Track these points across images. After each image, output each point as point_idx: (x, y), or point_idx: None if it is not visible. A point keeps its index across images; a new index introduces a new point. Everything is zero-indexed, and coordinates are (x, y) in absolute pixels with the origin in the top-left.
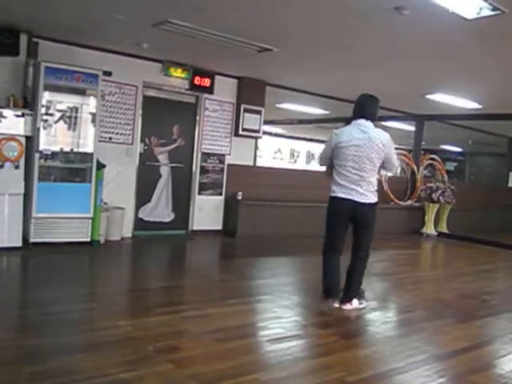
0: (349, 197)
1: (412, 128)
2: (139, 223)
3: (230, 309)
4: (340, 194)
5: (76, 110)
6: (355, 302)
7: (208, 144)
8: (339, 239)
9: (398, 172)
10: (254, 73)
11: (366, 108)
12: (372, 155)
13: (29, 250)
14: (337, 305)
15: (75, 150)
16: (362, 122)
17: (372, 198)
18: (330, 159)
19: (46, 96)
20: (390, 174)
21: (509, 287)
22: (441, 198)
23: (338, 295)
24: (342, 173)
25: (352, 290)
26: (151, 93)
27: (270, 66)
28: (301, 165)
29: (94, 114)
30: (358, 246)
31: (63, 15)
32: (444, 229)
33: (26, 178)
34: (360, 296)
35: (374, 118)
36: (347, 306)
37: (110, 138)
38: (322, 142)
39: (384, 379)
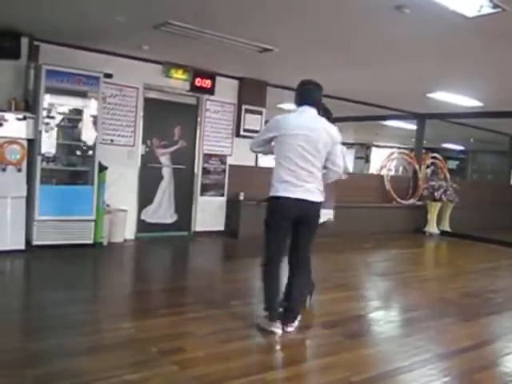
0: (294, 195)
1: (413, 127)
2: (142, 225)
3: (233, 310)
4: (285, 192)
5: (78, 112)
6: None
7: (209, 145)
8: (282, 246)
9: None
10: (255, 73)
11: (313, 95)
12: (320, 147)
13: (32, 253)
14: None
15: (77, 152)
16: (307, 108)
17: (320, 197)
18: (265, 147)
19: (47, 99)
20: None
21: None
22: (443, 196)
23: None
24: (288, 167)
25: (295, 307)
26: (152, 95)
27: (271, 66)
28: None
29: (95, 117)
30: (299, 251)
31: (64, 18)
32: (447, 227)
33: (28, 181)
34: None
35: (317, 106)
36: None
37: (112, 140)
38: None
39: (388, 378)
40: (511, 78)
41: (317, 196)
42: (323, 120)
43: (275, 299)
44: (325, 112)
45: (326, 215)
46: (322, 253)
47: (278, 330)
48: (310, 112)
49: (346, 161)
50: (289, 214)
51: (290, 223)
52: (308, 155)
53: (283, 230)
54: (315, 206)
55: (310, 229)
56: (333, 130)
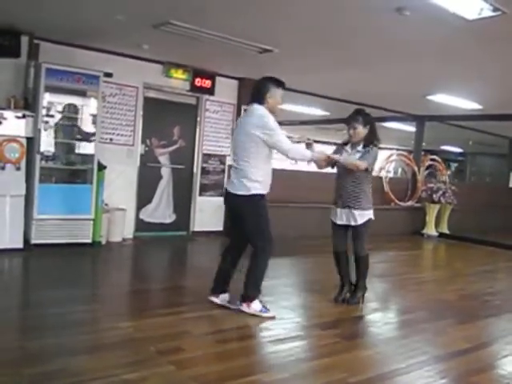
0: (227, 187)
1: (412, 129)
2: (140, 224)
3: (231, 310)
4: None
5: (77, 111)
6: (255, 305)
7: (209, 145)
8: (232, 234)
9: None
10: (255, 74)
11: (254, 91)
12: (243, 139)
13: (30, 252)
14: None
15: (76, 151)
16: (249, 106)
17: (244, 189)
18: None
19: (46, 97)
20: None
21: (510, 288)
22: (441, 198)
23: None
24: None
25: (246, 289)
26: (152, 94)
27: (271, 66)
28: (302, 166)
29: (94, 116)
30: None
31: (64, 17)
32: (445, 229)
33: (27, 180)
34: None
35: (257, 100)
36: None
37: (111, 140)
38: (322, 143)
39: (386, 380)
40: (511, 81)
41: (239, 188)
42: (257, 114)
43: (216, 276)
44: (364, 117)
45: (366, 216)
46: (320, 254)
47: (211, 299)
48: (249, 109)
49: (369, 159)
50: (225, 203)
51: (232, 213)
52: (236, 149)
53: (229, 218)
54: (238, 198)
55: (241, 219)
56: (263, 121)
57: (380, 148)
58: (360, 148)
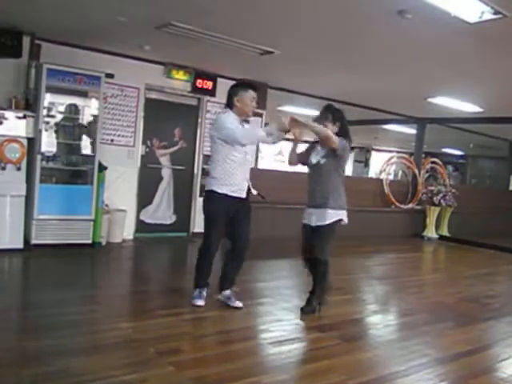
0: None
1: (413, 131)
2: (141, 225)
3: (231, 311)
4: None
5: (78, 111)
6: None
7: (210, 146)
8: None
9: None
10: (256, 75)
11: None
12: (211, 142)
13: (30, 252)
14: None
15: (77, 152)
16: None
17: (206, 186)
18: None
19: (47, 98)
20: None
21: (510, 291)
22: (442, 201)
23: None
24: None
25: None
26: (153, 95)
27: (272, 68)
28: (302, 168)
29: (96, 116)
30: None
31: (66, 17)
32: (445, 232)
33: (27, 180)
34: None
35: (228, 105)
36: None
37: (112, 140)
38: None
39: (385, 383)
40: (511, 84)
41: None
42: (217, 117)
43: (221, 274)
44: (333, 114)
45: (336, 216)
46: None
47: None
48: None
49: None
50: None
51: None
52: None
53: None
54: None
55: None
56: (216, 121)
57: (380, 150)
58: None
